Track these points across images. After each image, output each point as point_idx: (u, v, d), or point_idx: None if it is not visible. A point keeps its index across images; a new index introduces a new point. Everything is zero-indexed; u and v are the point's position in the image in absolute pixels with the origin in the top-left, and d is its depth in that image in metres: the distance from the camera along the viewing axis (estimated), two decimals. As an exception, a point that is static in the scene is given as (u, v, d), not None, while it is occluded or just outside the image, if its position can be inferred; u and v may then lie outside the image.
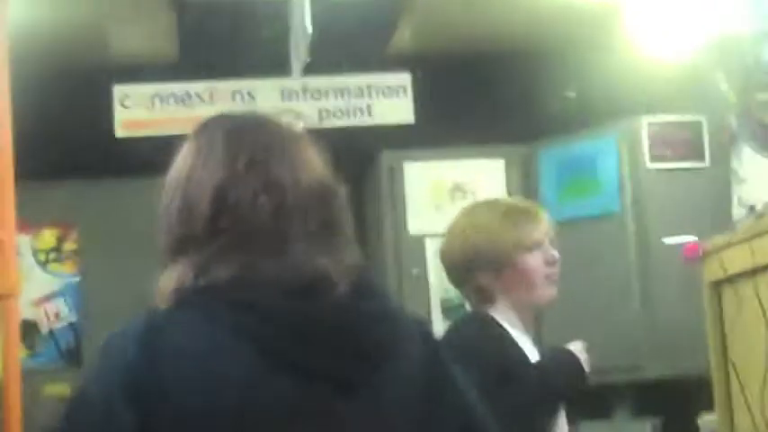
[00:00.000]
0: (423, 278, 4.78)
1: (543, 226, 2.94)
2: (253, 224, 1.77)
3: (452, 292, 4.79)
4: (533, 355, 2.95)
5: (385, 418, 1.74)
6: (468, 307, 4.68)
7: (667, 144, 4.60)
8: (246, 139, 1.88)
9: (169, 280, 1.89)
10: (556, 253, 2.91)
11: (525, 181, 4.91)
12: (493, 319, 2.88)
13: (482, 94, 4.99)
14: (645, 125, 4.61)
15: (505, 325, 2.87)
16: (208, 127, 1.93)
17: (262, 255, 1.76)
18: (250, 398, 1.67)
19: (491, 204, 3.07)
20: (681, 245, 4.50)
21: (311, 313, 1.73)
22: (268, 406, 1.68)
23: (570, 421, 4.80)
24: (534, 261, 2.89)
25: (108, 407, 1.70)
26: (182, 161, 1.88)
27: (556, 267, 2.91)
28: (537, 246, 2.89)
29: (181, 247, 1.85)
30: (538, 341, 3.08)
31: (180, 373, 1.71)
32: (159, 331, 1.79)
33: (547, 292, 2.92)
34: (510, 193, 4.90)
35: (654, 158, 4.58)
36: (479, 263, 2.92)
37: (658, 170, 4.58)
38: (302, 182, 1.87)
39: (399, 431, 1.76)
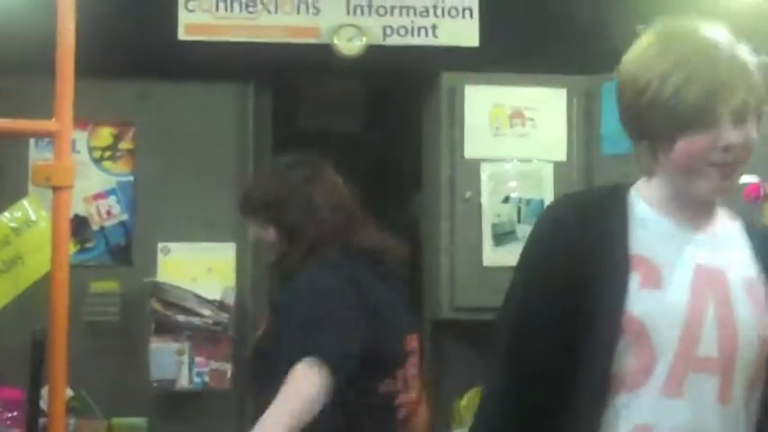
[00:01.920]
0: (475, 202, 4.76)
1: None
2: None
3: (504, 218, 4.78)
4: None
5: None
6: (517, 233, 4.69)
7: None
8: None
9: None
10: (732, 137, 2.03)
11: (587, 113, 4.86)
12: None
13: (550, 22, 4.93)
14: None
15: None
16: None
17: None
18: None
19: None
20: (742, 185, 4.46)
21: None
22: None
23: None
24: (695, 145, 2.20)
25: None
26: None
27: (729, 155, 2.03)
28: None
29: None
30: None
31: None
32: None
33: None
34: (570, 124, 4.86)
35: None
36: None
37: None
38: None
39: None
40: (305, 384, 2.71)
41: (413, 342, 3.16)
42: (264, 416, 2.69)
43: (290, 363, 2.75)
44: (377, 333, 2.94)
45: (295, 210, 3.11)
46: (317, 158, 3.25)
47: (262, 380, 2.98)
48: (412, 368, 3.15)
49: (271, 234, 3.16)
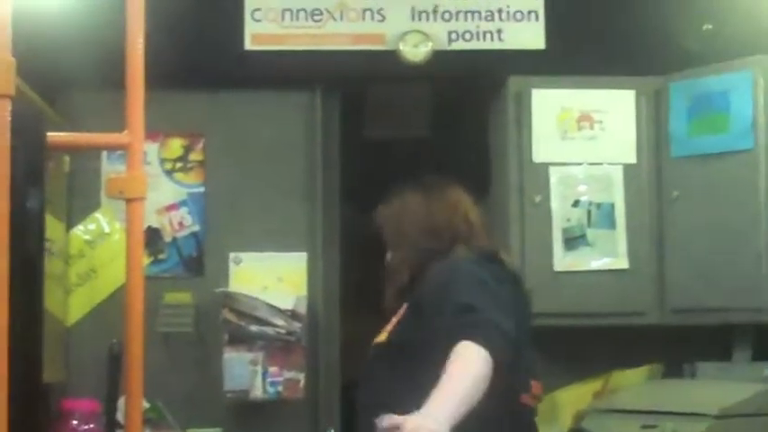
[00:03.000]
0: (545, 206, 4.73)
1: None
2: None
3: (574, 221, 4.75)
4: None
5: None
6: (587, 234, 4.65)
7: (805, 82, 4.48)
8: None
9: None
10: None
11: (656, 114, 4.81)
12: None
13: (616, 23, 4.89)
14: (783, 61, 4.49)
15: None
16: None
17: None
18: None
19: None
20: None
21: None
22: None
23: (688, 360, 4.78)
24: None
25: None
26: None
27: None
28: None
29: None
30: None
31: None
32: None
33: None
34: (639, 126, 4.82)
35: (790, 96, 4.46)
36: None
37: (794, 108, 4.46)
38: None
39: None
40: (473, 361, 2.59)
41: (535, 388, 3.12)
42: (437, 392, 2.53)
43: (447, 349, 2.63)
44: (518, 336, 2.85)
45: (404, 221, 3.18)
46: (441, 179, 3.28)
47: (399, 369, 2.91)
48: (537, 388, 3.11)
49: (389, 256, 3.23)
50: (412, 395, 2.57)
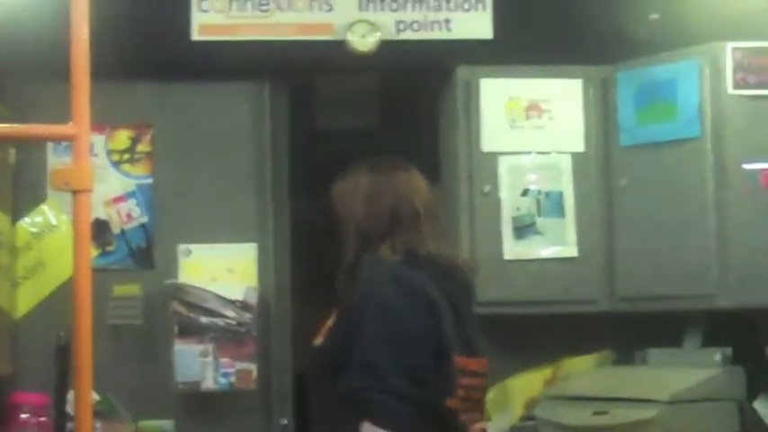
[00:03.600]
0: (494, 196, 4.75)
1: None
2: None
3: (523, 210, 4.77)
4: None
5: None
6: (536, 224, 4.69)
7: (751, 70, 4.51)
8: None
9: None
10: None
11: (603, 103, 4.84)
12: None
13: (563, 13, 4.91)
14: (729, 50, 4.51)
15: None
16: None
17: None
18: None
19: None
20: (760, 171, 4.45)
21: None
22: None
23: (639, 347, 4.82)
24: None
25: None
26: None
27: None
28: None
29: None
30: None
31: None
32: None
33: None
34: (587, 115, 4.84)
35: (737, 84, 4.49)
36: None
37: (741, 96, 4.49)
38: None
39: None
40: None
41: (470, 364, 3.15)
42: None
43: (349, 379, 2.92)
44: (441, 347, 3.01)
45: (352, 200, 3.20)
46: (398, 161, 3.30)
47: (323, 382, 3.06)
48: (476, 391, 3.17)
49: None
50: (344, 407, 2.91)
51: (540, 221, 4.77)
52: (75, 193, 2.81)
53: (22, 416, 4.48)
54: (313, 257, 4.65)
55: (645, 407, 4.22)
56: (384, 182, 3.21)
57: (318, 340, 3.13)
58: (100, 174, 4.62)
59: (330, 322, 3.14)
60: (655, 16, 4.91)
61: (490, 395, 4.73)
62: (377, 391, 2.88)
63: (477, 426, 3.18)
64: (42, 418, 4.47)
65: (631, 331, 4.83)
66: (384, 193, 3.18)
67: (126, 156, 4.82)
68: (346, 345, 2.99)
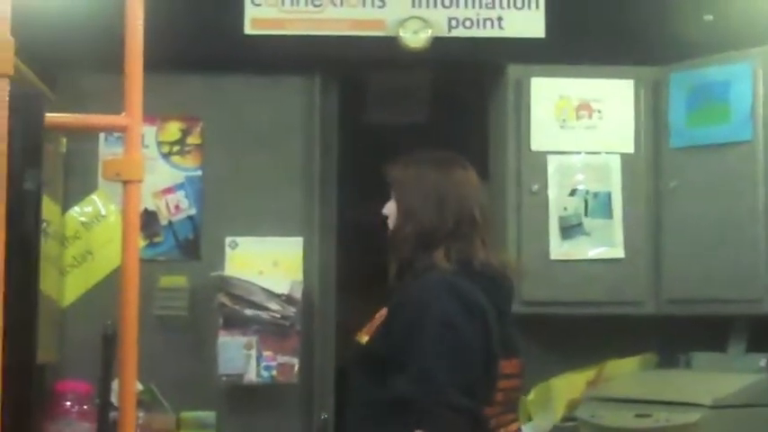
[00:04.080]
0: (542, 195, 4.73)
1: None
2: None
3: (571, 210, 4.75)
4: None
5: None
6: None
7: (805, 73, 4.47)
8: None
9: None
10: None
11: (654, 104, 4.81)
12: None
13: (616, 12, 4.89)
14: (783, 53, 4.48)
15: None
16: None
17: None
18: None
19: None
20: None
21: None
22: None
23: (683, 351, 4.79)
24: None
25: None
26: None
27: None
28: None
29: None
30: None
31: None
32: None
33: None
34: (638, 116, 4.81)
35: (790, 88, 4.46)
36: None
37: (794, 99, 4.46)
38: None
39: None
40: None
41: (506, 366, 3.16)
42: None
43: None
44: (489, 359, 3.02)
45: (417, 193, 3.14)
46: (457, 157, 3.25)
47: (376, 379, 3.03)
48: (512, 392, 3.20)
49: (391, 208, 3.19)
50: (388, 407, 2.93)
51: (587, 222, 4.75)
52: (125, 183, 2.83)
53: (66, 404, 4.52)
54: (359, 253, 4.67)
55: (688, 411, 4.20)
56: (450, 181, 3.15)
57: (364, 338, 3.12)
58: (150, 165, 4.64)
59: (378, 321, 3.12)
60: (708, 17, 4.88)
61: (532, 395, 4.74)
62: (434, 402, 2.87)
63: (513, 426, 3.18)
64: (86, 407, 4.50)
65: (676, 334, 4.80)
66: (451, 195, 3.12)
67: (176, 148, 4.84)
68: (394, 348, 2.98)
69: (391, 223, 3.20)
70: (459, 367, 2.92)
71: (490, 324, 3.02)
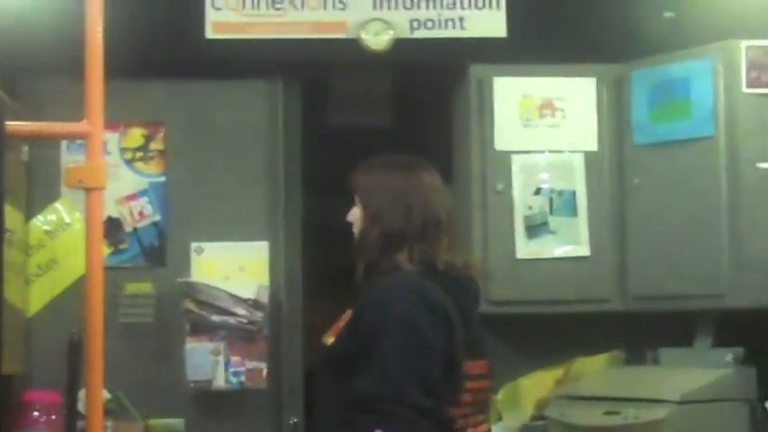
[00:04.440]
0: (507, 194, 4.74)
1: None
2: None
3: (536, 209, 4.77)
4: None
5: None
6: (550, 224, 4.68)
7: (765, 69, 4.49)
8: None
9: None
10: None
11: (617, 101, 4.83)
12: None
13: (577, 11, 4.90)
14: (743, 49, 4.50)
15: None
16: None
17: None
18: None
19: None
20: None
21: None
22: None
23: (650, 347, 4.81)
24: None
25: None
26: None
27: None
28: None
29: None
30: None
31: None
32: None
33: None
34: (600, 114, 4.83)
35: (751, 83, 4.48)
36: None
37: (755, 95, 4.48)
38: None
39: None
40: None
41: (473, 367, 3.18)
42: None
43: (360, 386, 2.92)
44: (452, 359, 3.03)
45: (383, 197, 3.17)
46: (421, 161, 3.28)
47: (343, 380, 3.04)
48: (481, 393, 3.21)
49: (356, 214, 3.22)
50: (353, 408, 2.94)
51: (552, 220, 4.77)
52: (88, 190, 2.81)
53: (34, 413, 4.49)
54: (324, 256, 4.66)
55: (656, 407, 4.22)
56: (415, 185, 3.17)
57: (330, 339, 3.14)
58: (113, 172, 4.62)
59: (342, 322, 3.14)
60: (669, 14, 4.90)
61: (500, 395, 4.74)
62: (394, 402, 2.88)
63: (483, 427, 3.19)
64: (53, 416, 4.48)
65: (643, 331, 4.82)
66: (417, 198, 3.14)
67: (139, 154, 4.82)
68: (359, 348, 2.99)
69: (356, 229, 3.21)
70: (421, 368, 2.93)
71: (453, 324, 3.04)
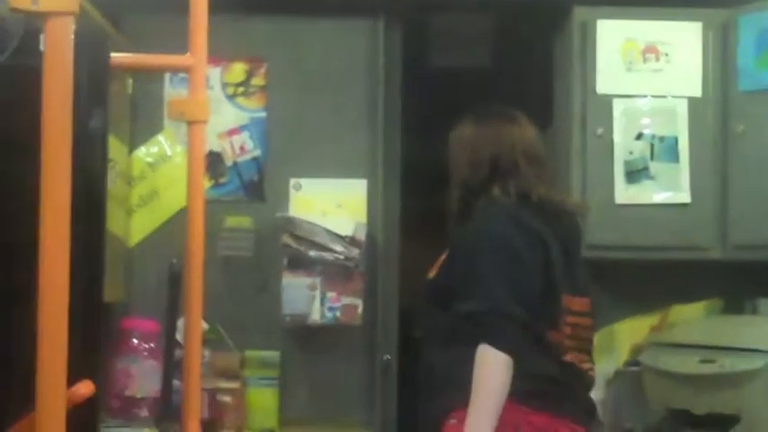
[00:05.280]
0: (608, 139, 4.69)
1: None
2: None
3: (636, 154, 4.72)
4: None
5: None
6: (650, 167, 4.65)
7: None
8: None
9: None
10: None
11: (723, 47, 4.74)
12: None
13: (685, -46, 4.81)
14: None
15: None
16: None
17: None
18: None
19: None
20: None
21: None
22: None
23: (750, 297, 4.76)
24: None
25: None
26: None
27: None
28: None
29: None
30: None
31: None
32: None
33: None
34: (705, 59, 4.75)
35: None
36: None
37: None
38: None
39: None
40: (493, 372, 3.07)
41: (575, 303, 3.29)
42: (471, 412, 3.07)
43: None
44: (550, 284, 3.24)
45: (455, 151, 3.44)
46: (505, 111, 3.50)
47: (445, 308, 3.25)
48: (583, 330, 3.37)
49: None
50: (455, 329, 3.19)
51: (653, 166, 4.71)
52: (190, 124, 2.85)
53: (133, 341, 4.57)
54: (424, 195, 4.67)
55: (753, 357, 4.17)
56: (485, 133, 3.39)
57: (432, 274, 3.29)
58: (215, 106, 4.63)
59: (443, 257, 3.29)
60: (779, -41, 4.79)
61: (596, 339, 4.72)
62: (495, 315, 3.08)
63: (587, 365, 3.27)
64: (152, 345, 4.56)
65: (743, 280, 4.77)
66: (483, 144, 3.37)
67: (240, 89, 4.86)
68: (460, 276, 3.19)
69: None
70: (518, 283, 3.13)
71: (551, 252, 3.23)
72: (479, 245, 3.20)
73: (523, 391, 3.12)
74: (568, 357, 3.25)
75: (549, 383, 3.21)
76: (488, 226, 3.23)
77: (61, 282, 2.03)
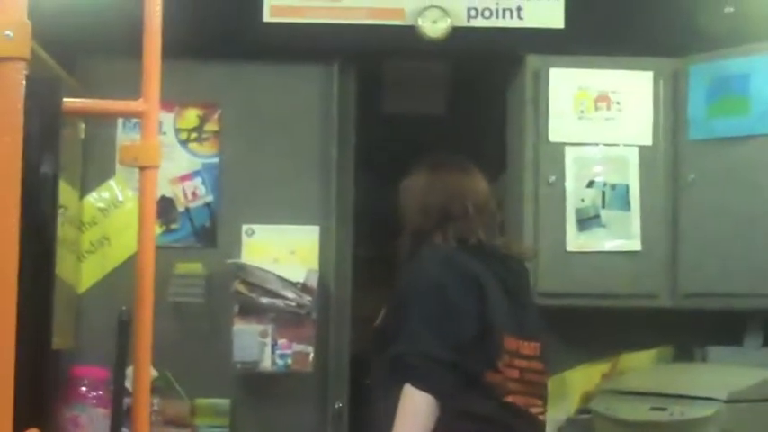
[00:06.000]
0: (560, 186, 4.72)
1: None
2: None
3: (588, 202, 4.74)
4: None
5: None
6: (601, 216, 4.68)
7: (826, 68, 4.44)
8: None
9: None
10: None
11: (673, 96, 4.78)
12: None
13: (635, 4, 4.87)
14: (804, 46, 4.45)
15: None
16: None
17: None
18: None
19: None
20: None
21: None
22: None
23: (699, 344, 4.78)
24: None
25: None
26: None
27: None
28: None
29: None
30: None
31: None
32: None
33: None
34: (656, 108, 4.79)
35: (811, 81, 4.43)
36: None
37: (815, 93, 4.43)
38: None
39: None
40: (416, 410, 3.10)
41: (523, 347, 3.30)
42: None
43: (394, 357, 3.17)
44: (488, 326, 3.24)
45: (405, 199, 3.49)
46: (458, 160, 3.55)
47: (381, 359, 3.28)
48: (534, 374, 3.37)
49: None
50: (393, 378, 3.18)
51: (604, 214, 4.74)
52: (142, 169, 2.83)
53: (82, 388, 4.53)
54: (376, 242, 4.67)
55: (703, 405, 4.18)
56: (436, 183, 3.44)
57: (377, 321, 3.34)
58: (167, 152, 4.64)
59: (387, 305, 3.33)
60: (729, 9, 4.85)
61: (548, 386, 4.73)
62: (418, 356, 3.11)
63: (537, 410, 3.27)
64: (101, 392, 4.52)
65: (692, 328, 4.79)
66: (434, 194, 3.41)
67: (194, 135, 4.85)
68: (397, 321, 3.22)
69: None
70: (445, 324, 3.15)
71: (487, 291, 3.24)
72: (411, 288, 3.25)
73: (457, 431, 3.14)
74: (510, 399, 3.23)
75: (484, 423, 3.20)
76: (420, 270, 3.28)
77: (8, 328, 2.00)
